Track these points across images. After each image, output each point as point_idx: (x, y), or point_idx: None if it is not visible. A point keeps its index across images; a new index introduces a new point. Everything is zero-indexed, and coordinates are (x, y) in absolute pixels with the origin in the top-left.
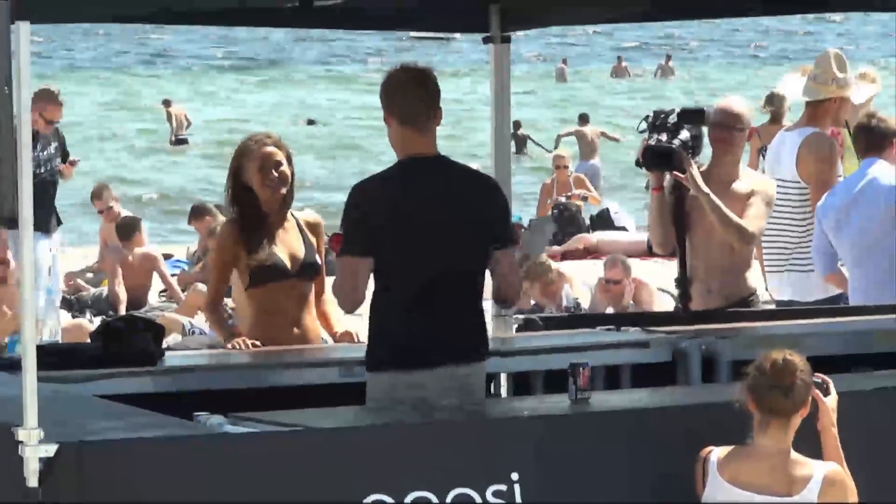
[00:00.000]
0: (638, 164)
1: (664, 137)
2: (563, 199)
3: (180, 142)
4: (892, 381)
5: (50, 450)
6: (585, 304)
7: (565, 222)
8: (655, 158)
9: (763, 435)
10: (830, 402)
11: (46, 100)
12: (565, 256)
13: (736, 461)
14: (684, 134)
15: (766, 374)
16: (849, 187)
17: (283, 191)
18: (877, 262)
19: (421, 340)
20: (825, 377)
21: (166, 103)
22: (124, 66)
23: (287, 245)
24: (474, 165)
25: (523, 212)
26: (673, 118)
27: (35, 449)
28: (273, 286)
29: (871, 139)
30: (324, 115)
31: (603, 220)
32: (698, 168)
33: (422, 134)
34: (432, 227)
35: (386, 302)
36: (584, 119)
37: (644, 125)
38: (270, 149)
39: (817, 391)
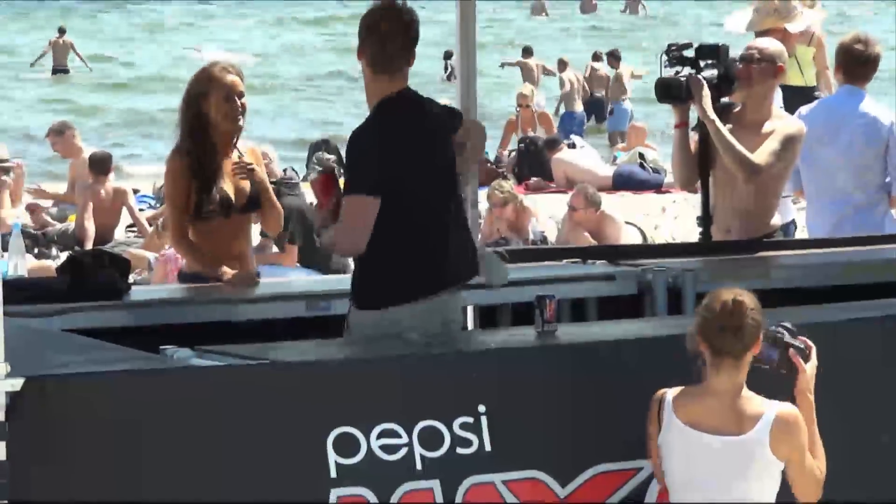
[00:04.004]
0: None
1: (686, 71)
2: (528, 134)
3: (59, 71)
4: (862, 313)
5: (16, 384)
6: (552, 237)
7: (531, 157)
8: (665, 90)
9: (715, 375)
10: (810, 368)
11: None
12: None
13: (690, 402)
14: (710, 71)
15: (716, 314)
16: (829, 117)
17: (241, 122)
18: (843, 199)
19: (432, 269)
20: (809, 343)
21: (61, 31)
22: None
23: (233, 179)
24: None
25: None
26: (690, 52)
27: (2, 383)
28: (218, 220)
29: (854, 64)
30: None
31: None
32: (733, 109)
33: (394, 79)
34: (427, 160)
35: (389, 238)
36: (527, 52)
37: (665, 59)
38: (235, 78)
39: (798, 357)
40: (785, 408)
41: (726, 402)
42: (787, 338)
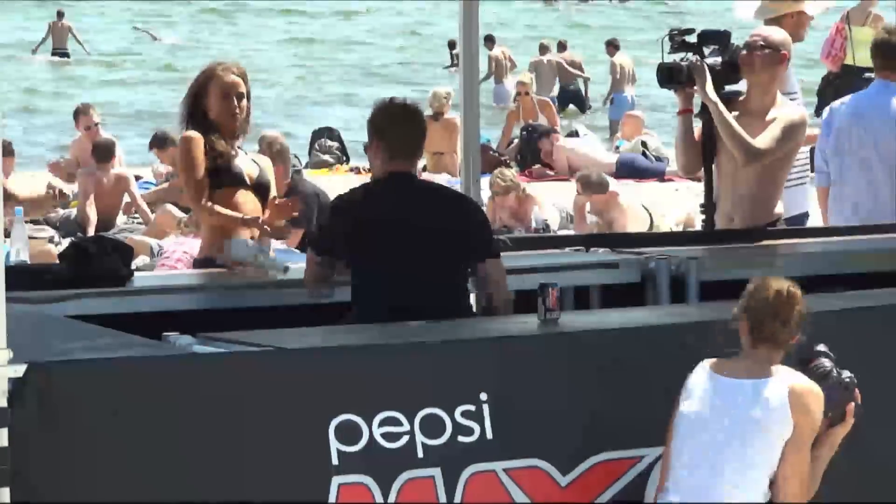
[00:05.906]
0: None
1: (691, 57)
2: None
3: (59, 54)
4: (863, 302)
5: (19, 370)
6: (554, 225)
7: (535, 143)
8: (666, 75)
9: (752, 351)
10: (847, 426)
11: None
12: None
13: (723, 362)
14: (714, 58)
15: (769, 302)
16: (861, 113)
17: (239, 122)
18: (871, 196)
19: None
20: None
21: (59, 15)
22: None
23: (242, 162)
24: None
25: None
26: (692, 38)
27: (4, 369)
28: (234, 190)
29: (887, 56)
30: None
31: None
32: (738, 98)
33: (405, 165)
34: (402, 239)
35: (362, 303)
36: (489, 40)
37: (668, 45)
38: (236, 79)
39: (852, 413)
40: (809, 381)
41: (757, 364)
42: (855, 391)
